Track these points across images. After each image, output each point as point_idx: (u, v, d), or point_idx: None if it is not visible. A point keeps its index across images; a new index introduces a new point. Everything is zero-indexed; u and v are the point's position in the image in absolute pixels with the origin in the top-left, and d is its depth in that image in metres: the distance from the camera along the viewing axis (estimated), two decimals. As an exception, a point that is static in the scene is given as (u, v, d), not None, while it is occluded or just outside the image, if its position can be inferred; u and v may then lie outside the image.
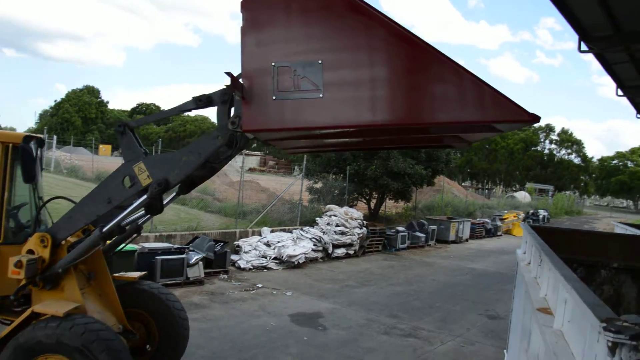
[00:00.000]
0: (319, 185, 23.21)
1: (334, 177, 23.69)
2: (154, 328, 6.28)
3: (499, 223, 31.30)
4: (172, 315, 6.29)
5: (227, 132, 4.41)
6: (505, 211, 38.57)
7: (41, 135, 6.75)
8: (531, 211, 43.28)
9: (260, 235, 15.74)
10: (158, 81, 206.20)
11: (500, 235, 30.78)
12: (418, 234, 21.55)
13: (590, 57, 17.46)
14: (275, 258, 14.63)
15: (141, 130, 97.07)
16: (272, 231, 16.20)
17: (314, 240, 16.24)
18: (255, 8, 3.81)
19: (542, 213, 43.33)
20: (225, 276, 12.77)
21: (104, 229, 5.03)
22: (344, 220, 17.27)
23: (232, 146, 4.68)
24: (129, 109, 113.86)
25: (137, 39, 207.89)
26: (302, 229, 16.85)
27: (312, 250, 15.85)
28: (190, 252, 11.77)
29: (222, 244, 13.30)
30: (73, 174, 31.07)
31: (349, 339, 8.84)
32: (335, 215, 17.45)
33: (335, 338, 8.83)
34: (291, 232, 16.44)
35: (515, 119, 3.36)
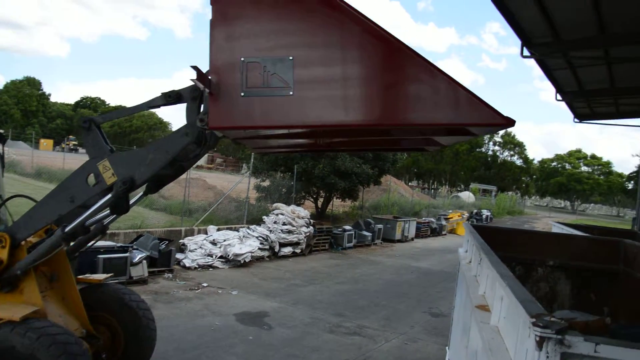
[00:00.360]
0: (266, 183, 23.14)
1: (281, 175, 23.64)
2: (120, 331, 6.04)
3: (444, 222, 31.97)
4: (138, 318, 6.08)
5: (195, 130, 4.23)
6: (450, 211, 39.38)
7: (2, 131, 6.48)
8: (475, 211, 44.44)
9: (206, 233, 15.56)
10: (104, 74, 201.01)
11: (445, 234, 31.43)
12: (365, 232, 21.75)
13: (532, 62, 17.94)
14: (221, 257, 14.49)
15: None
16: (218, 229, 16.04)
17: (260, 238, 16.16)
18: (225, 1, 3.68)
19: (485, 213, 44.57)
20: (170, 275, 12.55)
21: (66, 229, 4.81)
22: (291, 219, 17.26)
23: (200, 144, 4.48)
24: (72, 102, 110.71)
25: (82, 30, 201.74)
26: (248, 228, 16.75)
27: (259, 248, 15.77)
28: (134, 251, 11.51)
29: (167, 242, 13.08)
30: (11, 169, 29.88)
31: (295, 337, 8.84)
32: (282, 214, 17.42)
33: (280, 337, 8.81)
34: (238, 231, 16.33)
35: (489, 122, 3.29)
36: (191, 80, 3.66)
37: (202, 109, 4.25)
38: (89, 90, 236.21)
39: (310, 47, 3.56)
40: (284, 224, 17.08)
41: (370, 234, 22.02)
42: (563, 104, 23.57)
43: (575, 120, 27.20)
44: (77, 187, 4.73)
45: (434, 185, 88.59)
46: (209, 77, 3.67)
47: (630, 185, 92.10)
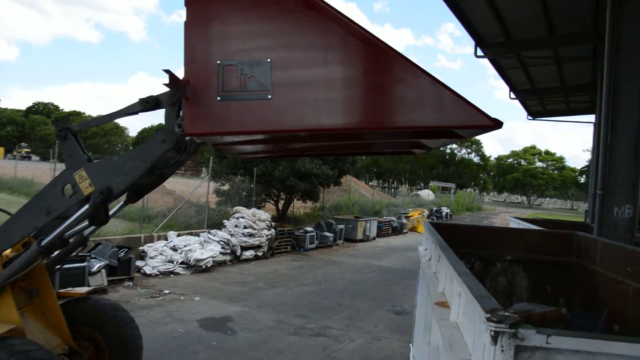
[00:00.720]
0: (226, 187, 22.98)
1: (241, 178, 23.52)
2: (104, 346, 5.84)
3: (404, 221, 32.32)
4: (122, 332, 5.89)
5: (174, 136, 4.06)
6: (411, 209, 39.84)
7: None
8: (435, 208, 45.08)
9: (166, 239, 15.36)
10: (56, 79, 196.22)
11: (406, 232, 31.78)
12: (326, 233, 21.82)
13: (487, 61, 18.38)
14: (182, 263, 14.34)
15: (38, 132, 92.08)
16: (178, 235, 15.85)
17: (221, 243, 16.05)
18: (200, 2, 3.55)
19: (445, 210, 45.30)
20: (130, 283, 12.36)
21: (43, 243, 4.61)
22: (252, 222, 17.20)
23: (180, 151, 4.31)
24: (24, 108, 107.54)
25: (32, 33, 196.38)
26: (209, 232, 16.62)
27: (220, 253, 15.67)
28: (92, 260, 11.28)
29: (126, 250, 12.87)
30: (-43, 179, 28.84)
31: (259, 341, 8.82)
32: (243, 217, 17.34)
33: (244, 341, 8.78)
34: (198, 236, 16.17)
35: (476, 124, 3.20)
36: (164, 85, 3.53)
37: (180, 115, 4.10)
38: (41, 95, 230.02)
39: (289, 49, 3.46)
40: (245, 227, 17.01)
41: (332, 235, 22.11)
42: (517, 102, 24.15)
43: (529, 117, 27.97)
44: (53, 199, 4.53)
45: (394, 184, 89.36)
46: (183, 82, 3.55)
47: (582, 179, 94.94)
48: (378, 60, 3.32)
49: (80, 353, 5.57)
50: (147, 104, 4.18)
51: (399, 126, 3.41)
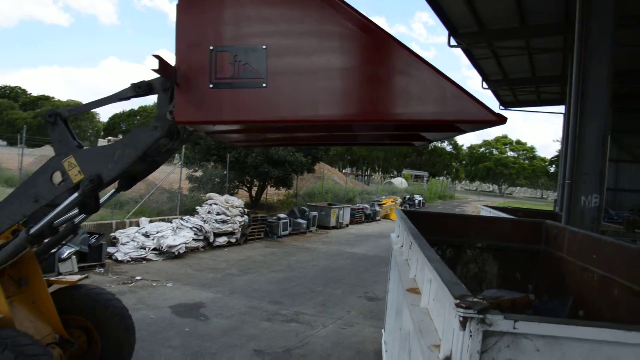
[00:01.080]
0: (199, 173, 22.84)
1: (213, 165, 23.39)
2: (96, 334, 5.73)
3: (377, 208, 32.51)
4: (115, 320, 5.78)
5: (166, 123, 3.93)
6: (384, 197, 40.12)
7: None
8: (408, 196, 45.43)
9: (138, 226, 15.23)
10: (23, 62, 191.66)
11: (379, 219, 31.97)
12: (299, 220, 21.86)
13: (460, 51, 18.56)
14: (154, 249, 14.25)
15: (5, 117, 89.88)
16: (150, 221, 15.73)
17: (194, 229, 15.98)
18: None
19: (417, 198, 45.66)
20: (102, 270, 12.25)
21: (31, 231, 4.51)
22: (225, 208, 17.15)
23: (173, 138, 4.15)
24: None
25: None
26: (182, 219, 16.52)
27: (193, 239, 15.60)
28: (62, 246, 11.14)
29: (97, 236, 12.72)
30: None
31: (232, 327, 8.84)
32: (216, 204, 17.27)
33: (217, 327, 8.79)
34: (171, 222, 16.08)
35: (480, 119, 3.10)
36: (152, 70, 3.36)
37: (173, 101, 3.92)
38: (8, 79, 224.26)
39: (286, 36, 3.33)
40: (218, 213, 16.95)
41: (305, 222, 22.16)
42: (489, 92, 24.44)
43: (501, 107, 28.28)
44: (41, 186, 4.41)
45: (367, 172, 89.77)
46: (174, 68, 3.40)
47: (552, 169, 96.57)
48: (379, 50, 3.21)
49: (72, 342, 5.48)
50: (139, 89, 4.06)
51: (399, 119, 3.30)
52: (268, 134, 4.77)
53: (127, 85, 4.16)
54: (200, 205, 17.52)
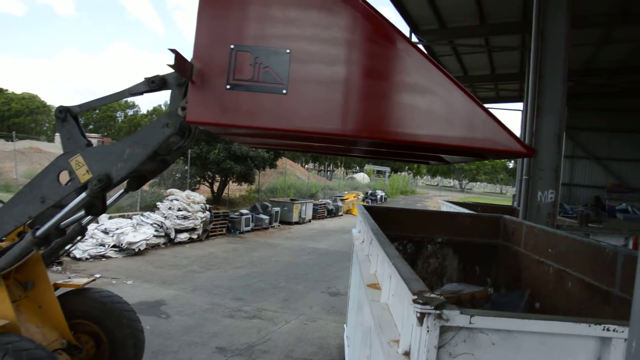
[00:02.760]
0: (159, 169, 22.54)
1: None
2: (104, 339, 5.55)
3: (340, 203, 32.66)
4: (123, 324, 5.61)
5: (177, 120, 3.77)
6: (346, 192, 40.29)
7: None
8: (370, 192, 45.78)
9: (97, 222, 14.95)
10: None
11: (342, 215, 32.13)
12: (262, 216, 21.79)
13: (421, 48, 18.61)
14: (114, 246, 14.01)
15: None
16: (110, 218, 15.47)
17: (155, 225, 15.77)
18: None
19: (379, 193, 46.08)
20: (59, 268, 11.97)
21: (38, 233, 4.32)
22: (186, 204, 16.98)
23: (184, 135, 4.00)
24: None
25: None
26: (142, 215, 16.28)
27: (154, 236, 15.40)
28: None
29: (54, 233, 12.44)
30: None
31: (194, 325, 8.77)
32: (177, 200, 17.09)
33: (179, 325, 8.71)
34: (131, 218, 15.84)
35: (508, 149, 2.96)
36: (168, 66, 3.18)
37: (185, 97, 3.70)
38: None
39: (312, 42, 3.14)
40: (179, 209, 16.77)
41: (268, 217, 22.11)
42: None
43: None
44: (48, 186, 4.22)
45: (330, 167, 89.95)
46: (190, 64, 3.23)
47: (511, 164, 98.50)
48: (410, 68, 3.04)
49: (79, 347, 5.31)
50: (153, 84, 3.90)
51: (424, 141, 3.08)
52: (282, 140, 4.55)
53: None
54: (161, 201, 17.31)
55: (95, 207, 4.42)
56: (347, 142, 3.88)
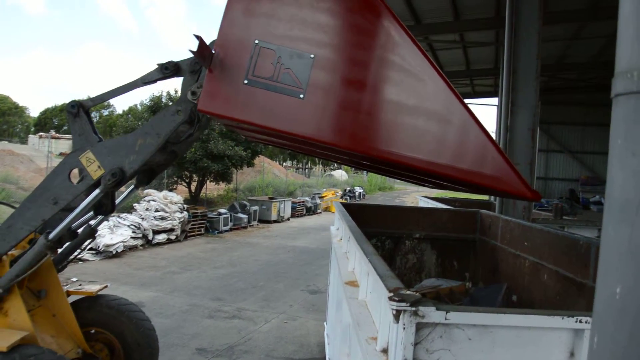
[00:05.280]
0: (136, 169, 22.35)
1: (152, 160, 22.92)
2: (118, 348, 5.42)
3: (318, 201, 32.68)
4: (137, 332, 5.48)
5: (188, 106, 3.70)
6: (324, 189, 40.37)
7: None
8: (348, 188, 45.84)
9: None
10: None
11: (320, 212, 32.14)
12: (240, 215, 21.72)
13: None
14: (91, 248, 13.83)
15: None
16: (86, 220, 15.28)
17: (132, 227, 15.63)
18: None
19: (358, 190, 46.17)
20: (34, 272, 11.81)
21: (50, 236, 4.16)
22: (164, 205, 16.85)
23: (193, 123, 3.91)
24: None
25: None
26: (119, 216, 16.12)
27: (131, 237, 15.27)
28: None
29: (28, 237, 12.26)
30: None
31: (173, 326, 8.71)
32: (154, 200, 16.96)
33: (158, 327, 8.54)
34: (108, 220, 15.66)
35: (514, 190, 2.92)
36: (190, 51, 3.13)
37: (198, 81, 3.72)
38: None
39: (338, 51, 3.09)
40: (156, 210, 16.64)
41: (246, 216, 22.04)
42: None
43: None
44: (60, 187, 4.09)
45: (308, 164, 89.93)
46: (211, 52, 3.18)
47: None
48: (432, 94, 2.98)
49: (95, 356, 5.19)
50: (167, 70, 3.81)
51: (434, 170, 3.02)
52: (289, 142, 4.46)
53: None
54: (138, 202, 17.15)
55: (105, 206, 4.34)
56: (356, 157, 3.81)
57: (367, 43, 3.08)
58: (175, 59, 3.86)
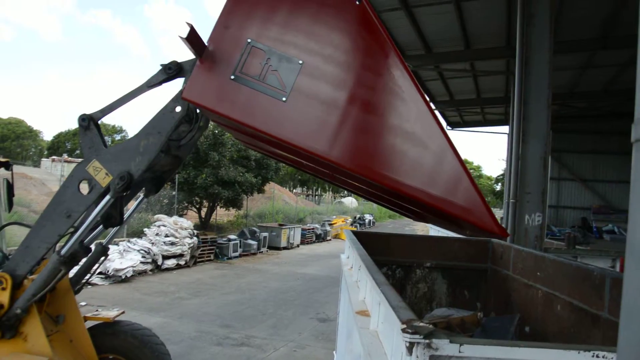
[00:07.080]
0: (147, 194, 22.46)
1: (163, 186, 23.04)
2: None
3: (328, 228, 32.63)
4: (152, 358, 5.43)
5: (185, 101, 3.72)
6: (334, 216, 40.28)
7: (7, 159, 5.63)
8: (358, 216, 45.78)
9: (83, 249, 14.79)
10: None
11: (330, 239, 32.07)
12: (250, 241, 21.69)
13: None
14: (100, 273, 13.85)
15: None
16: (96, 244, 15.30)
17: (142, 252, 15.64)
18: None
19: (368, 217, 46.08)
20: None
21: (63, 251, 4.17)
22: (174, 230, 16.88)
23: (192, 122, 4.00)
24: None
25: None
26: (129, 241, 16.15)
27: (141, 262, 15.27)
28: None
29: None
30: None
31: (181, 353, 8.64)
32: (164, 225, 17.00)
33: (165, 353, 8.57)
34: (117, 245, 15.69)
35: (482, 224, 2.95)
36: (179, 37, 3.14)
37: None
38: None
39: (328, 61, 3.14)
40: (166, 235, 16.67)
41: (256, 243, 22.01)
42: (436, 113, 24.99)
43: (448, 127, 28.92)
44: (71, 199, 4.12)
45: (318, 191, 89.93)
46: (204, 42, 3.25)
47: (498, 187, 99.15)
48: (412, 115, 3.03)
49: None
50: (170, 70, 3.83)
51: (402, 190, 3.03)
52: (271, 146, 4.49)
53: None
54: (148, 227, 17.20)
55: (113, 218, 4.34)
56: (332, 169, 3.78)
57: (356, 58, 3.14)
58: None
